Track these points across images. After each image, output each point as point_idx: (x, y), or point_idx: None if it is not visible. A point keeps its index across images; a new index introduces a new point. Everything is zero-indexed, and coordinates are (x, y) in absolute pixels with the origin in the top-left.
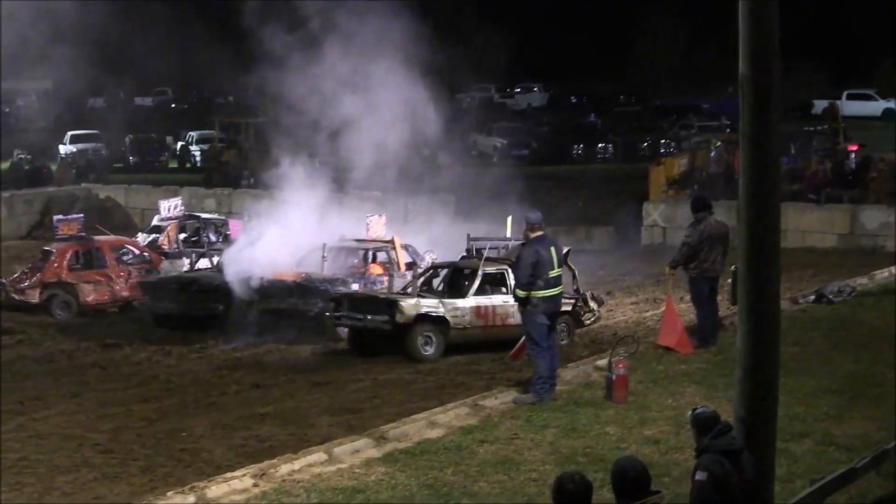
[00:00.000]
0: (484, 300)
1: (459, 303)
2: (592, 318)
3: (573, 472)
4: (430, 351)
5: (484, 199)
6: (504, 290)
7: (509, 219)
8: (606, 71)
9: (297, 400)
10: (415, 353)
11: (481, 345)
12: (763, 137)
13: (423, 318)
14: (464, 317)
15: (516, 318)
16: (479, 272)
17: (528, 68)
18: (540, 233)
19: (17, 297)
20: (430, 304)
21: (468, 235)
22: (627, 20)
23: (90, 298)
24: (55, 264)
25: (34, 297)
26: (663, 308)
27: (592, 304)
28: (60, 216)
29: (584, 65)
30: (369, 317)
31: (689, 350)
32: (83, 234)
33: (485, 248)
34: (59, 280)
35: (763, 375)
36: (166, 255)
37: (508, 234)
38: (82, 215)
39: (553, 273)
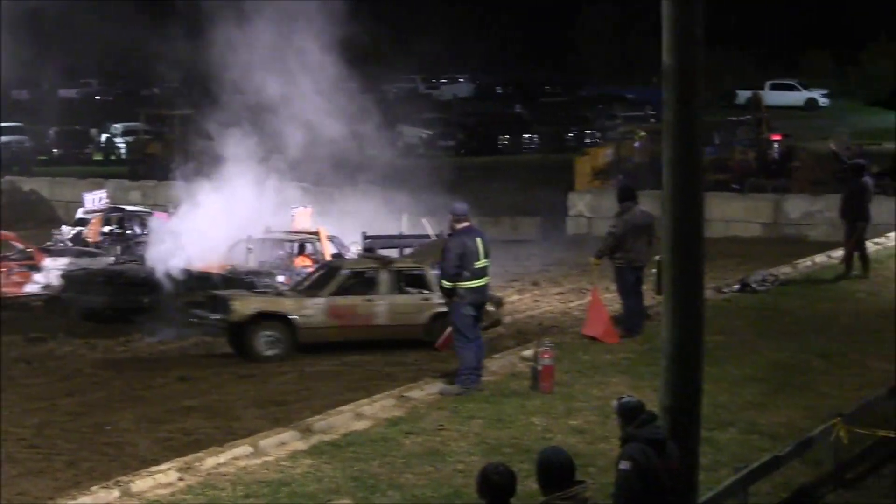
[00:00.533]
0: (342, 300)
1: (310, 301)
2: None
3: (498, 464)
4: (272, 351)
5: (410, 191)
6: (376, 289)
7: (404, 217)
8: (534, 60)
9: (223, 393)
10: (251, 352)
11: (356, 345)
12: (686, 127)
13: (263, 317)
14: (314, 316)
15: (383, 319)
16: (343, 271)
17: (454, 58)
18: (466, 224)
19: None
20: (267, 302)
21: (363, 234)
22: (556, 8)
23: None
24: None
25: None
26: (589, 298)
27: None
28: None
29: (512, 54)
30: (210, 315)
31: (614, 340)
32: None
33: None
34: None
35: (688, 364)
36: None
37: (404, 231)
38: None
39: (479, 264)
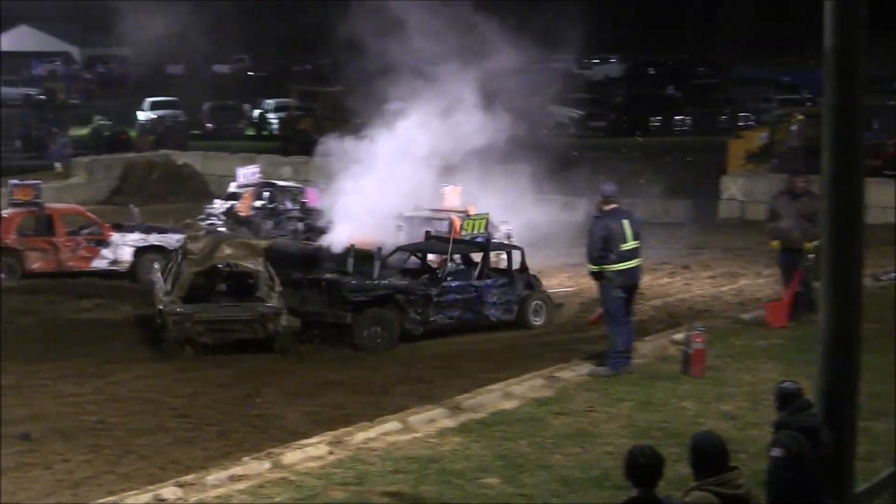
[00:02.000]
0: None
1: None
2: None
3: (645, 446)
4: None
5: (560, 171)
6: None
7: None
8: (686, 41)
9: (369, 368)
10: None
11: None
12: (847, 111)
13: None
14: None
15: None
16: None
17: (606, 39)
18: (613, 205)
19: None
20: None
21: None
22: None
23: (35, 266)
24: (4, 230)
25: None
26: (742, 282)
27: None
28: (16, 181)
29: (664, 35)
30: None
31: (782, 324)
32: (38, 201)
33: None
34: (6, 246)
35: (845, 352)
36: (242, 222)
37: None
38: (39, 181)
39: (626, 246)
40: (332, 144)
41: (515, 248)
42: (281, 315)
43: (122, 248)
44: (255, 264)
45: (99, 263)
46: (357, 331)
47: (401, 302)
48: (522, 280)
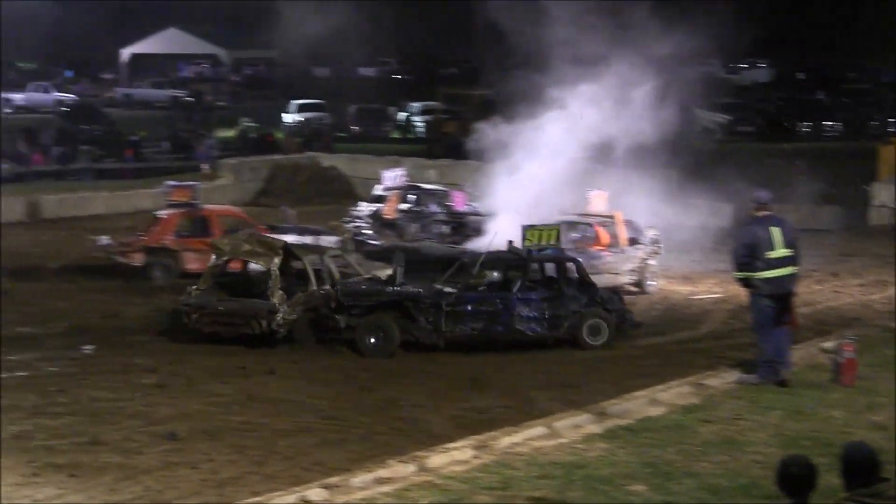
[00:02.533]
0: None
1: None
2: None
3: (798, 455)
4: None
5: (707, 176)
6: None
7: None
8: (836, 46)
9: (514, 372)
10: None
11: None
12: None
13: None
14: None
15: None
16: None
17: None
18: (766, 212)
19: (120, 258)
20: None
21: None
22: None
23: (192, 266)
24: (161, 230)
25: (137, 260)
26: (892, 291)
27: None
28: (173, 182)
29: (813, 39)
30: None
31: None
32: (195, 202)
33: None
34: (163, 246)
35: None
36: (387, 225)
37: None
38: (197, 183)
39: (775, 254)
40: (476, 148)
41: (571, 259)
42: (276, 313)
43: None
44: (267, 263)
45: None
46: (358, 336)
47: (410, 310)
48: (582, 294)
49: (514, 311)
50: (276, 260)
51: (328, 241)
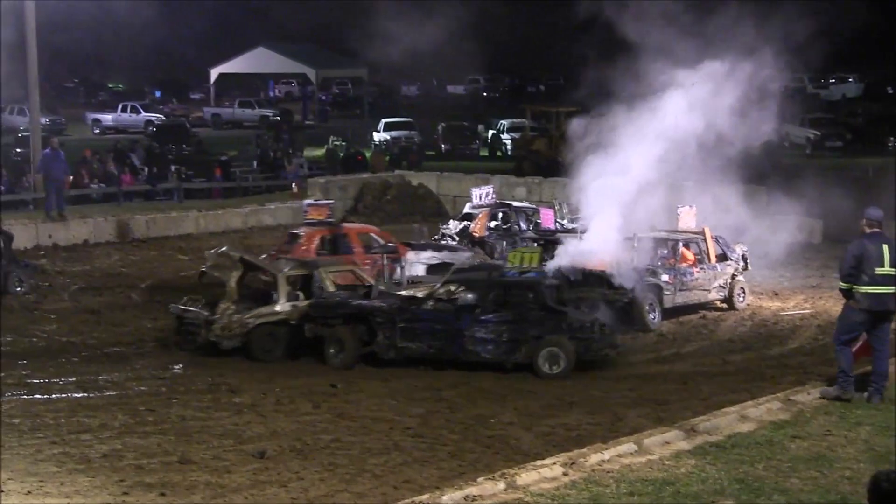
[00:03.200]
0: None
1: None
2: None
3: (889, 471)
4: None
5: (796, 192)
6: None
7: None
8: None
9: (603, 389)
10: None
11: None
12: None
13: None
14: None
15: None
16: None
17: (843, 57)
18: (877, 229)
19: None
20: None
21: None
22: None
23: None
24: (302, 247)
25: None
26: None
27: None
28: (311, 201)
29: None
30: None
31: None
32: (331, 219)
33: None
34: None
35: None
36: (476, 243)
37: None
38: (332, 201)
39: (882, 271)
40: (566, 165)
41: (537, 284)
42: (213, 324)
43: (416, 265)
44: (227, 276)
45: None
46: (325, 347)
47: (371, 324)
48: (548, 320)
49: (468, 331)
50: (235, 273)
51: (463, 257)
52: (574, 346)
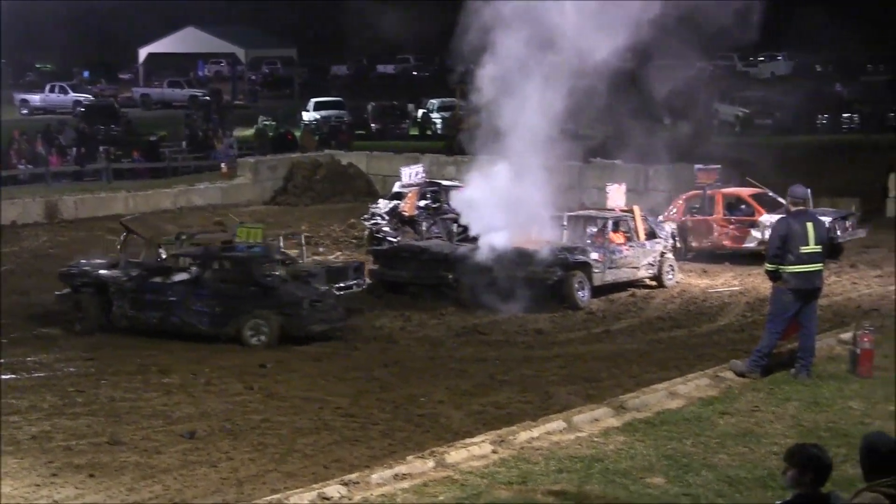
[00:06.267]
0: None
1: None
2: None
3: (813, 444)
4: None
5: (725, 169)
6: None
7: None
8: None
9: (534, 368)
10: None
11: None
12: None
13: None
14: None
15: None
16: None
17: (772, 36)
18: (801, 207)
19: None
20: None
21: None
22: None
23: (694, 244)
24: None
25: None
26: None
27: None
28: (700, 165)
29: (831, 31)
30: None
31: None
32: (716, 184)
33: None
34: (680, 223)
35: None
36: (406, 222)
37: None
38: (718, 166)
39: (807, 249)
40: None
41: (249, 259)
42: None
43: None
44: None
45: (749, 244)
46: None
47: (110, 293)
48: (258, 295)
49: (186, 304)
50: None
51: None
52: (280, 320)
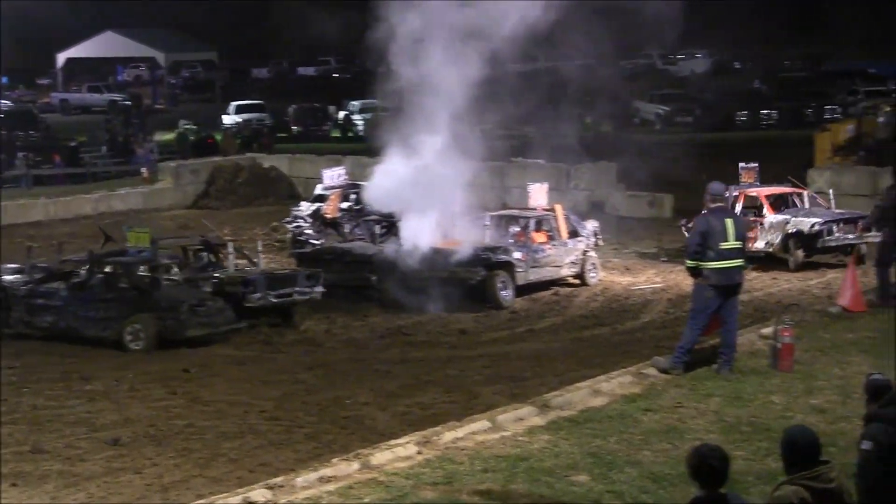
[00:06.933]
0: None
1: None
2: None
3: (714, 446)
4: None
5: (647, 167)
6: None
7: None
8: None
9: (459, 368)
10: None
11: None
12: None
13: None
14: None
15: None
16: None
17: (692, 34)
18: (720, 204)
19: None
20: None
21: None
22: None
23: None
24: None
25: None
26: (829, 276)
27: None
28: (744, 164)
29: (754, 29)
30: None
31: (861, 309)
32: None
33: None
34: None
35: None
36: (328, 224)
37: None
38: (756, 165)
39: (727, 245)
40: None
41: (127, 263)
42: None
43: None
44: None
45: (757, 244)
46: None
47: (9, 300)
48: (135, 299)
49: (71, 309)
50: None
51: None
52: (157, 324)
